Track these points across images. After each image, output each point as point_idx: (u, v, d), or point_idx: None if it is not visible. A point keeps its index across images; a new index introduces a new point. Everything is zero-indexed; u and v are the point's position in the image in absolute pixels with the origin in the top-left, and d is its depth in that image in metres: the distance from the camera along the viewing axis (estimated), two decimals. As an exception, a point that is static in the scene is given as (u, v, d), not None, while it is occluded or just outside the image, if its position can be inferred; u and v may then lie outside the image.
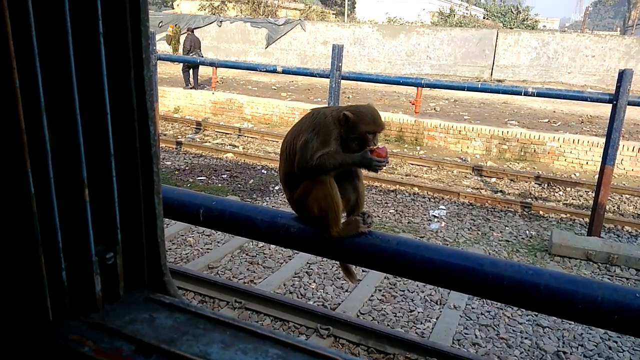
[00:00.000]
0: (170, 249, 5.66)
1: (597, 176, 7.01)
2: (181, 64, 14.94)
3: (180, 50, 16.92)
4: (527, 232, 6.83)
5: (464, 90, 8.51)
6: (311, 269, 5.28)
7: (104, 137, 0.67)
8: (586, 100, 6.94)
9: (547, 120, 12.78)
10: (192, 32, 15.69)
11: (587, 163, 9.97)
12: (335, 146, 2.02)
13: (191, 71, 14.58)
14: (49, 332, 0.61)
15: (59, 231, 0.62)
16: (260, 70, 9.01)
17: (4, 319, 0.62)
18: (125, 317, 0.68)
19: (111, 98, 0.67)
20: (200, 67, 14.82)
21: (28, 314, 0.62)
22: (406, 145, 11.18)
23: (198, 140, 11.30)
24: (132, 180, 0.71)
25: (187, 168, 9.09)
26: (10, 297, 0.62)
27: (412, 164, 9.78)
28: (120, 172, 0.70)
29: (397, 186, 8.35)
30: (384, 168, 2.03)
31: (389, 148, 10.72)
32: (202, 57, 15.11)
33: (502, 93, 8.54)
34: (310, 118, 2.10)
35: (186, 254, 5.59)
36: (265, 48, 23.73)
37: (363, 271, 5.09)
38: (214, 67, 11.06)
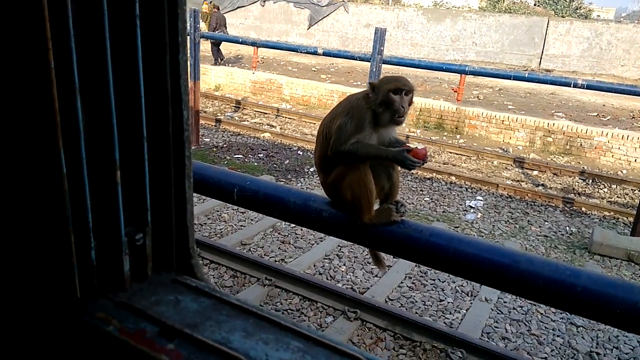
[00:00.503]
0: (205, 224, 5.78)
1: (646, 174, 6.69)
2: (209, 41, 15.04)
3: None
4: (567, 228, 6.62)
5: (510, 79, 8.22)
6: (342, 252, 5.29)
7: (137, 120, 0.67)
8: (639, 95, 6.59)
9: (596, 113, 12.26)
10: (218, 9, 15.81)
11: (635, 160, 9.53)
12: (370, 129, 1.99)
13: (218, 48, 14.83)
14: (76, 309, 0.63)
15: (90, 211, 0.63)
16: (301, 52, 8.98)
17: (33, 295, 0.64)
18: (151, 297, 0.69)
19: (145, 81, 0.66)
20: (237, 45, 14.89)
21: (57, 290, 0.63)
22: (445, 134, 10.96)
23: (237, 118, 11.41)
24: (163, 163, 0.72)
25: (224, 145, 9.21)
26: (40, 274, 0.64)
27: (450, 153, 9.59)
28: (152, 155, 0.70)
29: (434, 174, 8.22)
30: (419, 168, 1.99)
31: (427, 135, 10.56)
32: (227, 34, 15.23)
33: (550, 84, 8.20)
34: (345, 102, 2.08)
35: (220, 229, 5.70)
36: (307, 29, 23.58)
37: (394, 257, 5.06)
38: (255, 47, 11.08)
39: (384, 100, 1.96)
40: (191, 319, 0.65)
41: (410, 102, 2.01)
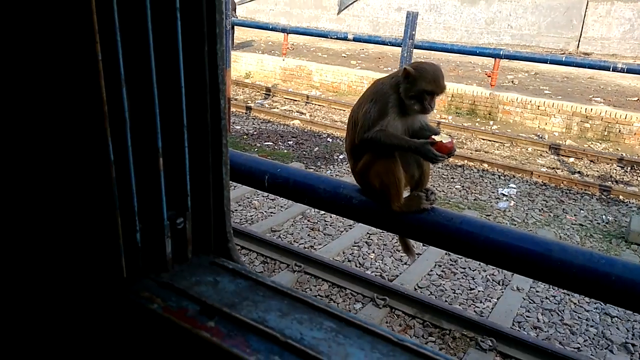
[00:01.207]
0: (236, 210, 5.88)
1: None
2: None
3: None
4: (603, 217, 6.45)
5: (546, 63, 8.02)
6: (371, 239, 5.30)
7: (178, 110, 0.70)
8: (685, 77, 6.32)
9: (636, 98, 11.80)
10: None
11: (678, 147, 9.16)
12: (394, 114, 1.97)
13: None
14: (123, 289, 0.67)
15: (135, 196, 0.67)
16: (331, 38, 8.94)
17: (83, 275, 0.68)
18: (192, 278, 0.72)
19: (185, 72, 0.69)
20: (267, 31, 14.89)
21: (105, 270, 0.67)
22: (478, 119, 10.76)
23: (267, 105, 11.48)
24: (202, 151, 0.75)
25: (255, 133, 9.29)
26: (89, 255, 0.68)
27: (483, 139, 9.42)
28: (191, 143, 0.73)
29: (466, 161, 8.11)
30: (444, 161, 1.96)
31: (459, 122, 10.39)
32: (237, 18, 15.22)
33: (589, 67, 7.95)
34: (371, 88, 2.07)
35: (251, 216, 5.79)
36: (337, 14, 23.40)
37: (423, 245, 5.05)
38: (285, 34, 11.08)
39: (416, 95, 1.94)
40: (229, 298, 0.68)
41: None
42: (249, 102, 11.60)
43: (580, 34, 19.09)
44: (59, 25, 0.60)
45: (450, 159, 8.00)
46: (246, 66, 14.39)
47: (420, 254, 4.98)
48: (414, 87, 1.93)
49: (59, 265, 0.71)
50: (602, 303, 4.35)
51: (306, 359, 0.58)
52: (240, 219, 5.70)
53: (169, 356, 0.66)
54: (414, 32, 7.01)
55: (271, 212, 5.90)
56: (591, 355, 3.82)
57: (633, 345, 3.90)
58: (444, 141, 1.89)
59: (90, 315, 0.71)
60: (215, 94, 0.72)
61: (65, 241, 0.70)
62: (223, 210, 0.79)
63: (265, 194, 6.22)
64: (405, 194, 2.08)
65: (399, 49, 7.29)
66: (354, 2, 22.99)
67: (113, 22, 0.61)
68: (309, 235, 5.40)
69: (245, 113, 10.56)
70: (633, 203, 6.96)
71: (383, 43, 8.34)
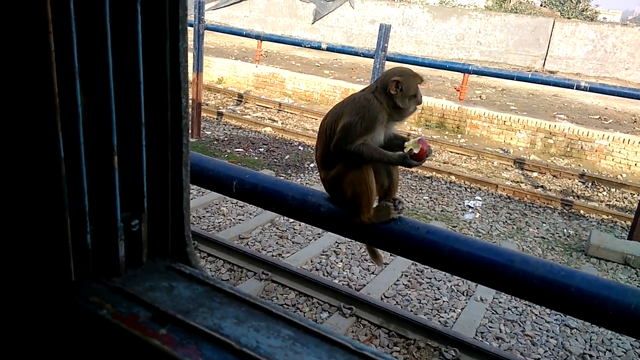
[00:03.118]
0: (204, 217, 5.79)
1: (646, 179, 6.70)
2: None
3: None
4: (565, 230, 6.63)
5: (513, 79, 8.22)
6: (339, 248, 5.30)
7: (136, 106, 0.67)
8: (642, 98, 6.60)
9: (598, 116, 12.24)
10: None
11: (635, 164, 9.52)
12: (380, 130, 2.01)
13: None
14: (70, 293, 0.63)
15: (87, 195, 0.64)
16: (305, 46, 8.96)
17: (28, 278, 0.64)
18: (145, 283, 0.69)
19: (145, 67, 0.67)
20: (241, 38, 14.79)
21: (51, 273, 0.64)
22: (447, 132, 10.95)
23: (239, 112, 11.40)
24: (161, 150, 0.72)
25: (226, 139, 9.20)
26: (35, 256, 0.64)
27: (451, 152, 9.59)
28: (150, 141, 0.70)
29: (434, 173, 8.23)
30: (421, 164, 2.04)
31: (429, 134, 10.55)
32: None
33: (553, 85, 8.20)
34: (352, 102, 2.07)
35: (219, 222, 5.71)
36: (312, 24, 23.53)
37: (391, 255, 5.07)
38: (259, 40, 11.05)
39: (414, 94, 2.03)
40: (184, 305, 0.65)
41: None
42: (220, 107, 11.49)
43: (547, 53, 19.75)
44: (9, 12, 0.57)
45: (419, 171, 8.11)
46: (218, 71, 14.28)
47: (388, 264, 5.01)
48: (408, 89, 2.02)
49: (1, 265, 0.67)
50: (562, 315, 4.45)
51: (261, 368, 0.55)
52: (208, 226, 5.61)
53: (118, 365, 0.62)
54: (386, 45, 7.09)
55: (240, 219, 5.83)
56: (551, 365, 3.90)
57: (590, 356, 3.99)
58: (415, 151, 1.93)
59: (33, 319, 0.67)
60: (177, 92, 0.70)
61: (8, 240, 0.66)
62: (182, 212, 0.76)
63: (235, 200, 6.15)
64: (374, 203, 2.08)
65: (372, 60, 7.36)
66: (329, 12, 23.18)
67: (68, 12, 0.58)
68: (277, 243, 5.36)
69: (217, 119, 10.46)
70: (593, 218, 7.18)
71: (356, 54, 8.42)
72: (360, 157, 1.97)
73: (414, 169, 8.19)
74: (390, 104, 2.01)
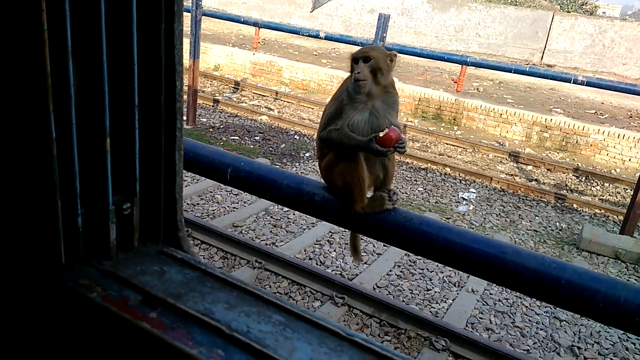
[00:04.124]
0: (198, 204, 5.78)
1: (638, 174, 6.73)
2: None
3: None
4: (557, 224, 6.67)
5: (510, 72, 8.21)
6: (333, 238, 5.31)
7: (129, 88, 0.67)
8: (638, 94, 6.61)
9: (594, 111, 12.27)
10: None
11: (629, 160, 9.57)
12: (349, 112, 1.92)
13: None
14: (60, 275, 0.63)
15: (78, 177, 0.63)
16: (303, 35, 8.91)
17: (17, 259, 0.64)
18: (136, 267, 0.69)
19: (139, 49, 0.66)
20: (239, 24, 14.68)
21: (41, 255, 0.63)
22: (443, 124, 10.95)
23: (235, 99, 11.34)
24: (154, 133, 0.71)
25: (221, 126, 9.16)
26: (25, 238, 0.64)
27: (447, 144, 9.59)
28: (143, 124, 0.70)
29: (429, 165, 8.24)
30: (391, 154, 1.92)
31: (425, 126, 10.53)
32: None
33: (551, 79, 8.20)
34: (338, 87, 2.07)
35: (213, 210, 5.70)
36: (311, 12, 23.35)
37: (384, 246, 5.09)
38: (257, 28, 10.95)
39: (350, 70, 1.92)
40: (175, 289, 0.65)
41: (376, 72, 1.92)
42: (216, 95, 11.42)
43: (545, 46, 19.72)
44: (0, -10, 0.56)
45: (414, 162, 8.10)
46: (215, 58, 14.17)
47: (381, 254, 5.03)
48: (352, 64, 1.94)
49: (-9, 247, 0.66)
50: (552, 307, 4.50)
51: (251, 352, 0.56)
52: (202, 213, 5.61)
53: (107, 347, 0.62)
54: (385, 35, 7.06)
55: (234, 207, 5.82)
56: (539, 357, 3.94)
57: (579, 348, 4.04)
58: (380, 135, 1.84)
59: (23, 301, 0.67)
60: (171, 75, 0.69)
61: (-1, 222, 0.65)
62: (174, 197, 0.76)
63: (229, 188, 6.14)
64: (369, 193, 2.08)
65: (369, 49, 7.32)
66: (328, 1, 23.00)
67: (61, -9, 0.57)
68: (271, 232, 5.36)
69: (212, 106, 10.40)
70: (586, 212, 7.23)
71: (354, 43, 8.38)
72: (332, 143, 1.94)
73: (409, 160, 8.20)
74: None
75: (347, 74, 2.04)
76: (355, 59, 1.94)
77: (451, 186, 7.54)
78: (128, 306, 0.61)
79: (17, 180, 0.63)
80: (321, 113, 2.14)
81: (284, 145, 8.50)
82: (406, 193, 7.01)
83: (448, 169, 8.13)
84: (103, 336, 0.62)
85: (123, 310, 0.60)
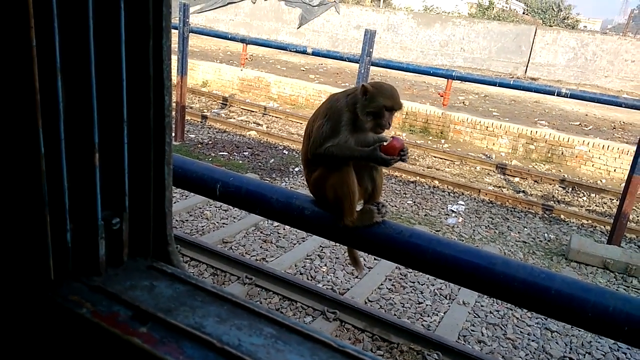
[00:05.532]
0: (187, 220, 5.74)
1: (623, 184, 6.83)
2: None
3: None
4: (545, 235, 6.72)
5: (495, 85, 8.34)
6: (323, 252, 5.30)
7: (118, 103, 0.67)
8: (621, 106, 6.75)
9: (578, 123, 12.47)
10: None
11: (614, 170, 9.71)
12: (346, 133, 1.96)
13: None
14: (49, 291, 0.62)
15: (67, 193, 0.63)
16: (290, 50, 8.97)
17: (6, 275, 0.63)
18: (126, 282, 0.69)
19: (128, 65, 0.66)
20: (226, 41, 14.73)
21: (30, 271, 0.63)
22: (430, 138, 11.05)
23: (223, 115, 11.36)
24: (143, 148, 0.72)
25: (210, 142, 9.16)
26: (13, 254, 0.63)
27: (434, 157, 9.67)
28: (132, 139, 0.70)
29: (418, 178, 8.29)
30: (395, 163, 1.96)
31: (412, 139, 10.62)
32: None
33: (535, 92, 8.33)
34: (326, 103, 2.07)
35: (202, 226, 5.66)
36: (297, 28, 23.57)
37: (375, 259, 5.09)
38: (245, 44, 11.02)
39: (374, 112, 1.93)
40: (165, 304, 0.65)
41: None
42: (204, 110, 11.43)
43: (528, 60, 20.07)
44: (-11, 7, 0.56)
45: (403, 175, 8.14)
46: (203, 75, 14.21)
47: (372, 268, 5.02)
48: (372, 103, 1.93)
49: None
50: (543, 318, 4.51)
51: (243, 365, 0.55)
52: (191, 230, 5.57)
53: (97, 364, 0.62)
54: (371, 50, 7.13)
55: (223, 223, 5.80)
56: (532, 368, 3.94)
57: (570, 359, 4.05)
58: (393, 140, 1.88)
59: (12, 318, 0.66)
60: (160, 90, 0.69)
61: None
62: (164, 211, 0.76)
63: (218, 204, 6.11)
64: (358, 207, 2.08)
65: (357, 65, 7.40)
66: (315, 17, 23.25)
67: (51, 7, 0.57)
68: (261, 247, 5.34)
69: (201, 122, 10.40)
70: (573, 222, 7.30)
71: (341, 59, 8.45)
72: (332, 158, 1.95)
73: (398, 173, 8.24)
74: (353, 110, 1.97)
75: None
76: (391, 109, 1.94)
77: (440, 199, 7.58)
78: (118, 321, 0.60)
79: (6, 196, 0.62)
80: (307, 128, 2.14)
81: (273, 160, 8.50)
82: (395, 206, 7.03)
83: (436, 182, 8.18)
84: (93, 352, 0.62)
85: (113, 326, 0.59)
